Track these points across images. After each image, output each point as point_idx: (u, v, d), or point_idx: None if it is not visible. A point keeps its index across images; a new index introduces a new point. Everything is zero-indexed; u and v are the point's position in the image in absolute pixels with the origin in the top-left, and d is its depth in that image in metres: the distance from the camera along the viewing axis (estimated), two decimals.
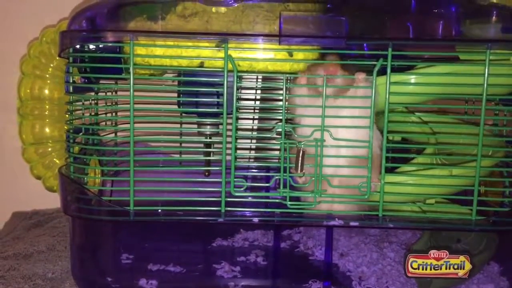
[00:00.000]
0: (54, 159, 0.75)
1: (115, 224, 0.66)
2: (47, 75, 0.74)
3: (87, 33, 0.58)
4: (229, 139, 0.58)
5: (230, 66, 0.56)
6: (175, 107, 0.72)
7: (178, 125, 0.77)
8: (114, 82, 0.74)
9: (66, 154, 0.62)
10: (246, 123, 0.83)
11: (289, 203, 0.58)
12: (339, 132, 0.58)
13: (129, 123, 0.57)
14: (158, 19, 0.58)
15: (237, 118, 0.78)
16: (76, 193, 0.60)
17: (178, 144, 0.77)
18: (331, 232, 0.63)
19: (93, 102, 0.70)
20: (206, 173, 0.74)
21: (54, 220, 0.87)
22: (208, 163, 0.72)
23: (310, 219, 0.59)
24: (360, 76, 0.57)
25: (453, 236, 0.66)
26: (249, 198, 0.59)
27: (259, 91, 0.82)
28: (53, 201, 0.88)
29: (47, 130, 0.74)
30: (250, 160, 0.83)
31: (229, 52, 0.56)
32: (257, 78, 0.80)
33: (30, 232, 0.81)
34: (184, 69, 0.62)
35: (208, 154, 0.73)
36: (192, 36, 0.57)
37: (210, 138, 0.72)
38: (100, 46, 0.62)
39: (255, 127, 0.83)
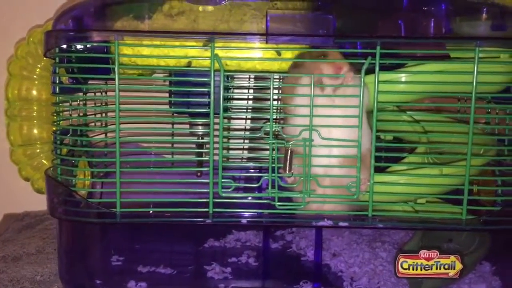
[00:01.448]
0: (43, 160, 0.74)
1: (104, 226, 0.65)
2: (35, 76, 0.74)
3: (72, 32, 0.57)
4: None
5: (217, 65, 0.55)
6: (167, 107, 0.72)
7: (170, 126, 0.77)
8: (104, 83, 0.73)
9: (53, 155, 0.62)
10: (238, 123, 0.83)
11: (277, 203, 0.57)
12: (333, 131, 0.57)
13: (120, 124, 0.56)
14: (145, 18, 0.58)
15: (229, 118, 0.78)
16: (63, 195, 0.59)
17: (170, 145, 0.76)
18: (321, 232, 0.62)
19: (81, 102, 0.69)
20: (198, 174, 0.74)
21: (45, 222, 0.86)
22: (200, 163, 0.71)
23: (299, 219, 0.59)
24: (348, 74, 0.57)
25: (445, 236, 0.66)
26: (238, 198, 0.58)
27: (251, 91, 0.81)
28: (45, 202, 0.87)
29: (35, 131, 0.74)
30: (243, 160, 0.82)
31: (217, 51, 0.56)
32: (249, 78, 0.80)
33: (21, 234, 0.81)
34: (171, 68, 0.62)
35: (200, 154, 0.72)
36: (179, 36, 0.57)
37: (202, 138, 0.72)
38: (88, 46, 0.61)
39: (246, 127, 0.83)
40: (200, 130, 0.71)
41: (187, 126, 0.74)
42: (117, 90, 0.55)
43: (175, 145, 0.76)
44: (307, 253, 0.70)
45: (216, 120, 0.57)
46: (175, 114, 0.74)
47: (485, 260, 0.66)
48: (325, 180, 0.59)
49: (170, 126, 0.77)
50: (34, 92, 0.73)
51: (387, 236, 0.74)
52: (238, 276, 0.64)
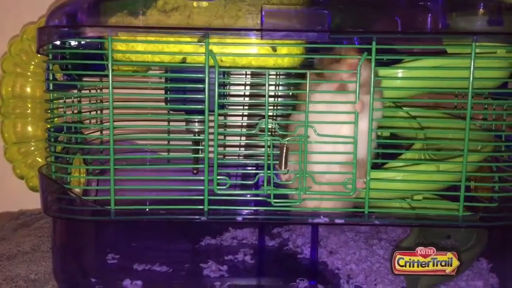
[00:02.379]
0: (37, 158, 0.74)
1: (99, 223, 0.65)
2: (29, 73, 0.73)
3: (65, 28, 0.57)
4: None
5: (212, 61, 0.55)
6: (163, 104, 0.71)
7: (165, 123, 0.76)
8: (99, 79, 0.73)
9: (47, 153, 0.61)
10: (234, 120, 0.82)
11: (273, 200, 0.57)
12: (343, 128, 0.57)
13: (115, 121, 0.56)
14: (139, 14, 0.57)
15: (225, 115, 0.78)
16: (57, 193, 0.59)
17: (166, 142, 0.76)
18: (317, 230, 0.62)
19: (75, 100, 0.69)
20: (195, 171, 0.74)
21: (41, 220, 0.86)
22: (196, 160, 0.71)
23: (295, 216, 0.58)
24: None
25: (443, 233, 0.66)
26: (233, 196, 0.58)
27: (247, 87, 0.81)
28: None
29: (29, 129, 0.73)
30: (240, 157, 0.82)
31: (211, 47, 0.55)
32: (246, 74, 0.79)
33: (16, 233, 0.81)
34: (166, 65, 0.61)
35: (196, 151, 0.72)
36: (173, 31, 0.56)
37: (198, 135, 0.71)
38: (82, 42, 0.61)
39: (243, 124, 0.82)
40: (196, 127, 0.71)
41: (183, 123, 0.73)
42: (110, 87, 0.55)
43: (171, 142, 0.76)
44: (304, 251, 0.69)
45: (212, 117, 0.56)
46: (171, 111, 0.73)
47: (482, 257, 0.66)
48: (324, 177, 0.58)
49: (166, 123, 0.77)
50: (28, 90, 0.73)
51: (384, 233, 0.74)
52: (234, 274, 0.63)
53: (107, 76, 0.55)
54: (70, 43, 0.61)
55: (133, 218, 0.57)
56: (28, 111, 0.73)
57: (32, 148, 0.74)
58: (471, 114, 0.55)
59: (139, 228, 0.71)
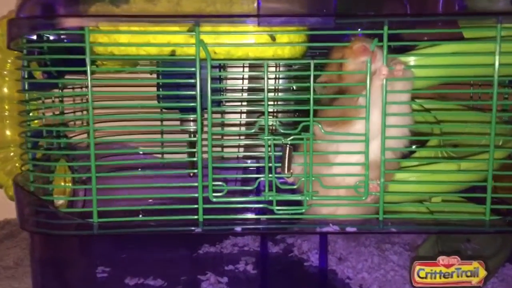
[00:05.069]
0: (17, 164, 0.70)
1: (83, 237, 0.60)
2: (5, 72, 0.70)
3: (38, 19, 0.52)
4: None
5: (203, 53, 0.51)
6: (155, 102, 0.67)
7: (158, 123, 0.73)
8: (84, 76, 0.68)
9: (23, 161, 0.56)
10: (232, 118, 0.78)
11: (276, 208, 0.53)
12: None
13: (100, 122, 0.54)
14: (121, 2, 0.52)
15: (222, 112, 0.74)
16: (34, 206, 0.54)
17: (159, 144, 0.72)
18: (326, 239, 0.57)
19: (57, 99, 0.64)
20: (191, 175, 0.70)
21: None
22: (192, 163, 0.68)
23: (301, 225, 0.55)
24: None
25: (463, 236, 0.62)
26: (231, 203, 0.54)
27: (246, 81, 0.77)
28: None
29: (7, 133, 0.70)
30: (238, 159, 0.77)
31: (203, 37, 0.51)
32: (243, 66, 0.75)
33: (2, 245, 0.77)
34: (153, 58, 0.57)
35: (192, 153, 0.67)
36: (160, 20, 0.52)
37: (194, 136, 0.67)
38: (62, 36, 0.56)
39: (241, 122, 0.78)
40: (191, 126, 0.68)
41: (178, 122, 0.70)
42: (89, 85, 0.51)
43: (164, 144, 0.72)
44: (311, 258, 0.66)
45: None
46: (163, 110, 0.70)
47: (508, 262, 0.62)
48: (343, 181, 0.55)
49: (158, 123, 0.74)
50: (5, 90, 0.70)
51: (397, 236, 0.70)
52: (236, 286, 0.60)
53: (92, 72, 0.51)
54: (48, 37, 0.57)
55: (119, 231, 0.53)
56: (6, 114, 0.70)
57: (12, 154, 0.71)
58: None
59: (131, 238, 0.67)
